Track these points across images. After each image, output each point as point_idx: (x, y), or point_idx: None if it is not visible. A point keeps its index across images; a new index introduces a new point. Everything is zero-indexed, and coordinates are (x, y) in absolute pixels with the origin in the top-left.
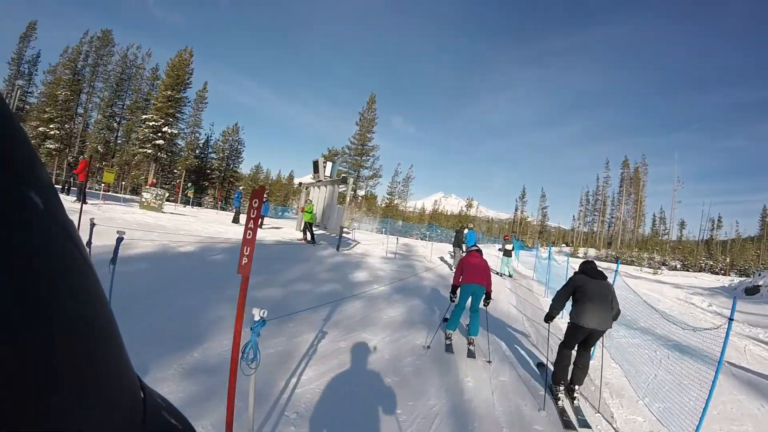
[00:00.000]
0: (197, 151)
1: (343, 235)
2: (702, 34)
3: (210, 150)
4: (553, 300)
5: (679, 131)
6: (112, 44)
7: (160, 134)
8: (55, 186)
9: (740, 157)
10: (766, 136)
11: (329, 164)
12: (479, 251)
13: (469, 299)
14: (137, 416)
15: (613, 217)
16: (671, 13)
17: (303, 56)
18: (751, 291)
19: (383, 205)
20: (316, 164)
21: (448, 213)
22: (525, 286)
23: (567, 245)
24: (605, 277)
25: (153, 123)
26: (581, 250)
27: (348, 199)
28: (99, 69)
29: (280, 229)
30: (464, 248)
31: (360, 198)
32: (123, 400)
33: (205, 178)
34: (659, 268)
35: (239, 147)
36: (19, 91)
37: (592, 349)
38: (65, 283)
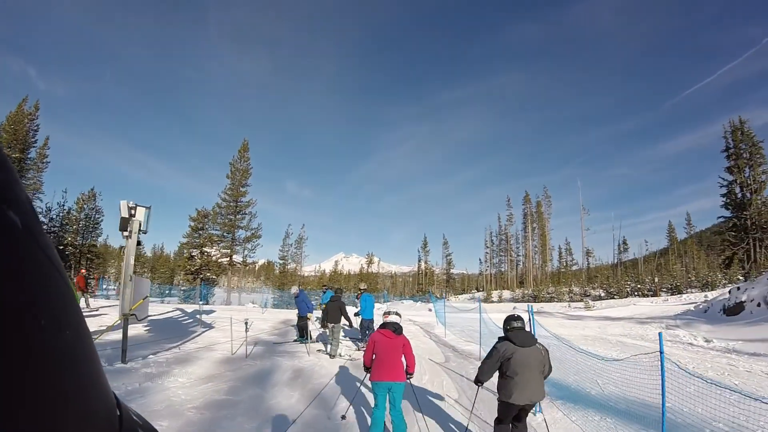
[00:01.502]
0: (46, 223)
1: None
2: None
3: (62, 222)
4: (479, 368)
5: (569, 165)
6: None
7: None
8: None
9: (632, 181)
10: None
11: (142, 211)
12: (395, 326)
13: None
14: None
15: (520, 255)
16: (551, 61)
17: (183, 118)
18: (733, 310)
19: (278, 272)
20: (124, 219)
21: (349, 273)
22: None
23: (478, 290)
24: (534, 342)
25: None
26: (494, 294)
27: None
28: None
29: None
30: (357, 321)
31: (239, 264)
32: (99, 415)
33: (61, 256)
34: (584, 300)
35: (97, 216)
36: None
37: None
38: (43, 301)
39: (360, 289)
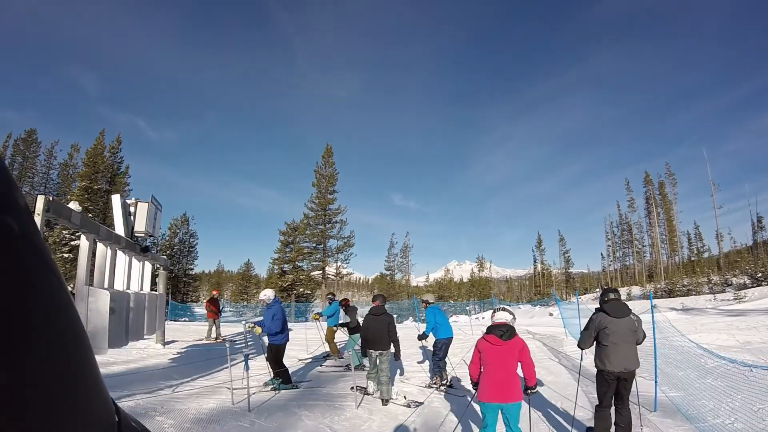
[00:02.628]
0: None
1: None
2: (684, 42)
3: (156, 248)
4: (579, 338)
5: (688, 141)
6: (37, 144)
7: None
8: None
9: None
10: None
11: (144, 207)
12: (503, 329)
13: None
14: None
15: (645, 245)
16: (649, 30)
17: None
18: None
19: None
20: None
21: (461, 280)
22: None
23: (601, 289)
24: (628, 313)
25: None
26: (622, 291)
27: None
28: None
29: None
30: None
31: (332, 276)
32: (97, 422)
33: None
34: (733, 291)
35: (191, 240)
36: None
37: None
38: (41, 307)
39: (424, 302)
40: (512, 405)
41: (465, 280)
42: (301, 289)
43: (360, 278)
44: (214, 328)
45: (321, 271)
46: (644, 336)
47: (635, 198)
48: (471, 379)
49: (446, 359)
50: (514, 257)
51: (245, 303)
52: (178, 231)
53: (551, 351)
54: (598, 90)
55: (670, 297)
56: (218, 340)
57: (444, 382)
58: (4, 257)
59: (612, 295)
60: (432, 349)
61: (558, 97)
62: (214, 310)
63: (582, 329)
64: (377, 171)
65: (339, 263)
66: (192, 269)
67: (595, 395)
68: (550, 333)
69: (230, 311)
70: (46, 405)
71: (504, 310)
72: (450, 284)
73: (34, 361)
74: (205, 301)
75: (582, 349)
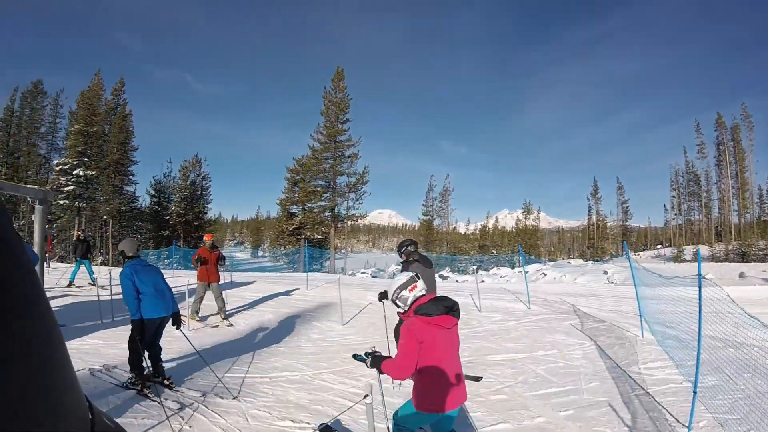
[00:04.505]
0: (155, 195)
1: None
2: None
3: (168, 192)
4: None
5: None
6: (44, 94)
7: (72, 178)
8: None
9: None
10: None
11: None
12: (452, 304)
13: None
14: None
15: (713, 199)
16: None
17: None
18: None
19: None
20: None
21: (512, 229)
22: None
23: (662, 246)
24: None
25: (60, 167)
26: (688, 250)
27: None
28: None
29: None
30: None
31: (343, 219)
32: (70, 417)
33: (166, 226)
34: None
35: (204, 183)
36: None
37: None
38: (10, 300)
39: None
40: (451, 418)
41: (508, 230)
42: (309, 233)
43: (406, 224)
44: None
45: (330, 212)
46: None
47: (705, 143)
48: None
49: None
50: (567, 207)
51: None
52: (189, 173)
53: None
54: (664, 28)
55: (743, 261)
56: None
57: None
58: None
59: None
60: None
61: (618, 36)
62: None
63: None
64: (426, 117)
65: (350, 205)
66: (205, 212)
67: None
68: (619, 312)
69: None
70: (15, 398)
71: (415, 276)
72: (494, 232)
73: (2, 354)
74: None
75: None
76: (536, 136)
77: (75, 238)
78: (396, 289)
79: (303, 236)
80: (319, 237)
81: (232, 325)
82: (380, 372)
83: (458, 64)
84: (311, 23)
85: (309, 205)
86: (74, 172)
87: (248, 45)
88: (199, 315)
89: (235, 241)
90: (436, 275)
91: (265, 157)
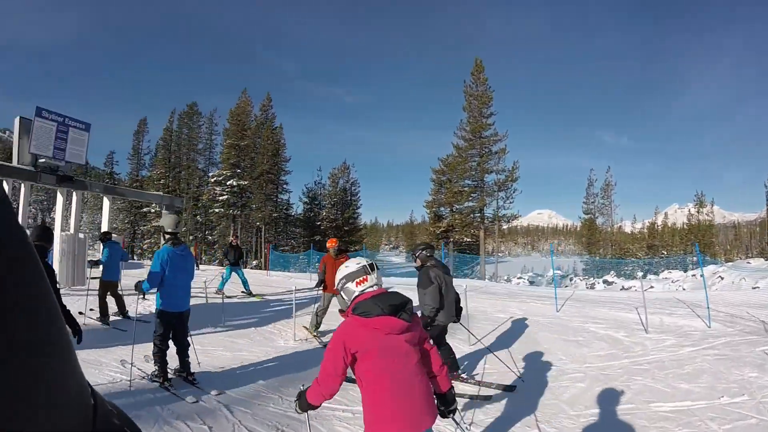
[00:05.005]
0: (307, 202)
1: None
2: None
3: (319, 198)
4: None
5: None
6: (199, 114)
7: (227, 189)
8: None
9: None
10: None
11: (39, 126)
12: (403, 302)
13: None
14: (87, 422)
15: None
16: None
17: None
18: None
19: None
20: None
21: (681, 226)
22: None
23: None
24: None
25: (215, 178)
26: None
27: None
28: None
29: None
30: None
31: (490, 219)
32: (72, 402)
33: (317, 231)
34: None
35: (353, 188)
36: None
37: None
38: (15, 288)
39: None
40: None
41: (678, 227)
42: (457, 236)
43: (567, 224)
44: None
45: (479, 213)
46: None
47: None
48: (315, 402)
49: None
50: (741, 198)
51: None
52: (338, 180)
53: None
54: None
55: None
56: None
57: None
58: None
59: None
60: None
61: None
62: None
63: None
64: (580, 107)
65: (499, 204)
66: (355, 217)
67: None
68: None
69: None
70: (17, 382)
71: (369, 266)
72: (664, 230)
73: (6, 339)
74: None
75: None
76: (705, 118)
77: (228, 244)
78: (342, 279)
79: (452, 239)
80: (468, 240)
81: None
82: (311, 408)
83: (609, 45)
84: (449, 16)
85: (457, 206)
86: (228, 183)
87: (386, 50)
88: (318, 330)
89: (390, 245)
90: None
91: (413, 159)
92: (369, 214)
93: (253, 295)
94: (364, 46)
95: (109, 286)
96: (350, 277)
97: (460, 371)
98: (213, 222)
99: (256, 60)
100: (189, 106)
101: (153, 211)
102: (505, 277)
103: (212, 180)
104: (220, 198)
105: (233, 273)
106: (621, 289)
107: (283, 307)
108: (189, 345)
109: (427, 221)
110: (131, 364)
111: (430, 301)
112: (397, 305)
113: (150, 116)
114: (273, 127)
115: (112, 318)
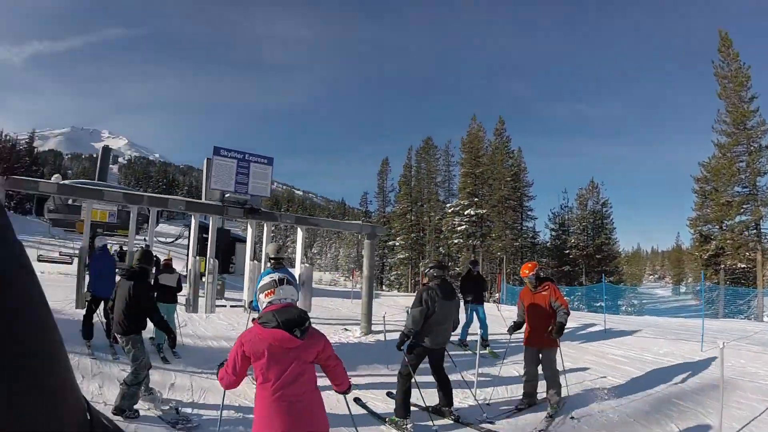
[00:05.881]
0: (554, 228)
1: None
2: None
3: (567, 224)
4: None
5: None
6: (434, 148)
7: (465, 218)
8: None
9: None
10: None
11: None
12: (299, 316)
13: None
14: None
15: None
16: None
17: None
18: None
19: None
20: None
21: None
22: None
23: None
24: None
25: (452, 208)
26: None
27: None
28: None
29: None
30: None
31: None
32: (68, 417)
33: (567, 261)
34: None
35: (604, 210)
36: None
37: None
38: (11, 302)
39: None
40: None
41: None
42: (729, 261)
43: None
44: None
45: (754, 229)
46: None
47: None
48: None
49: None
50: None
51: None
52: (587, 201)
53: None
54: None
55: None
56: None
57: None
58: None
59: None
60: None
61: None
62: None
63: None
64: None
65: None
66: (609, 244)
67: None
68: None
69: None
70: (13, 397)
71: (286, 282)
72: None
73: (7, 354)
74: None
75: None
76: None
77: (465, 273)
78: (256, 290)
79: (722, 265)
80: (743, 266)
81: None
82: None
83: None
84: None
85: (726, 222)
86: (466, 213)
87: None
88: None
89: (655, 275)
90: None
91: (670, 171)
92: (629, 240)
93: (486, 347)
94: (597, 57)
95: None
96: (261, 289)
97: (452, 409)
98: (454, 254)
99: (488, 86)
100: (424, 141)
101: (398, 244)
102: None
103: (450, 211)
104: (459, 228)
105: (474, 313)
106: None
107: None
108: None
109: (692, 244)
110: None
111: (409, 321)
112: (292, 321)
113: (391, 155)
114: (508, 150)
115: None
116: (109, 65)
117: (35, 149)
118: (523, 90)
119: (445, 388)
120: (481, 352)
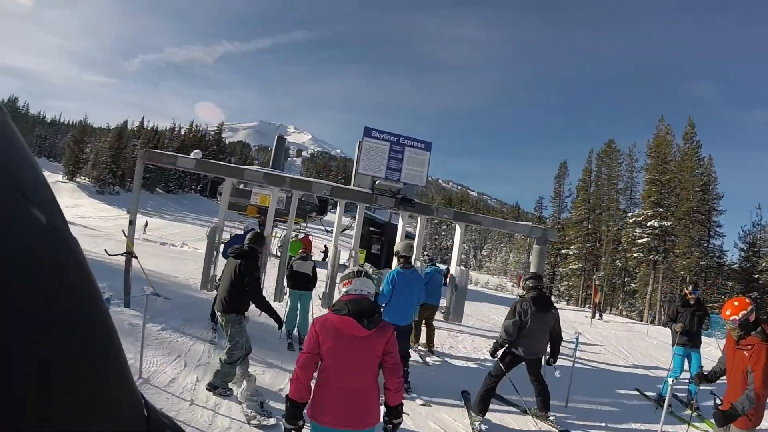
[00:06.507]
0: (743, 248)
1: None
2: None
3: (755, 243)
4: None
5: None
6: (617, 152)
7: (648, 230)
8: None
9: None
10: None
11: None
12: (368, 306)
13: None
14: (141, 424)
15: None
16: None
17: None
18: None
19: None
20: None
21: None
22: None
23: None
24: None
25: (634, 219)
26: None
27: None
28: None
29: None
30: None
31: None
32: (126, 414)
33: (756, 287)
34: None
35: None
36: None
37: None
38: (70, 300)
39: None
40: None
41: None
42: None
43: None
44: None
45: None
46: None
47: None
48: (292, 395)
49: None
50: None
51: None
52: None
53: None
54: None
55: None
56: None
57: None
58: (33, 250)
59: None
60: None
61: None
62: None
63: None
64: None
65: None
66: None
67: None
68: None
69: None
70: (72, 394)
71: (364, 275)
72: None
73: (63, 352)
74: None
75: None
76: None
77: (681, 297)
78: (341, 278)
79: None
80: None
81: None
82: (296, 410)
83: None
84: None
85: None
86: (648, 224)
87: None
88: None
89: None
90: None
91: None
92: None
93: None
94: None
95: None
96: (342, 278)
97: (549, 414)
98: (632, 269)
99: (675, 88)
100: (607, 144)
101: (572, 253)
102: None
103: (631, 221)
104: (639, 241)
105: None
106: None
107: None
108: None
109: None
110: None
111: (502, 331)
112: (363, 311)
113: (570, 158)
114: (698, 157)
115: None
116: (294, 65)
117: (224, 140)
118: (711, 93)
119: (542, 395)
120: (682, 414)
